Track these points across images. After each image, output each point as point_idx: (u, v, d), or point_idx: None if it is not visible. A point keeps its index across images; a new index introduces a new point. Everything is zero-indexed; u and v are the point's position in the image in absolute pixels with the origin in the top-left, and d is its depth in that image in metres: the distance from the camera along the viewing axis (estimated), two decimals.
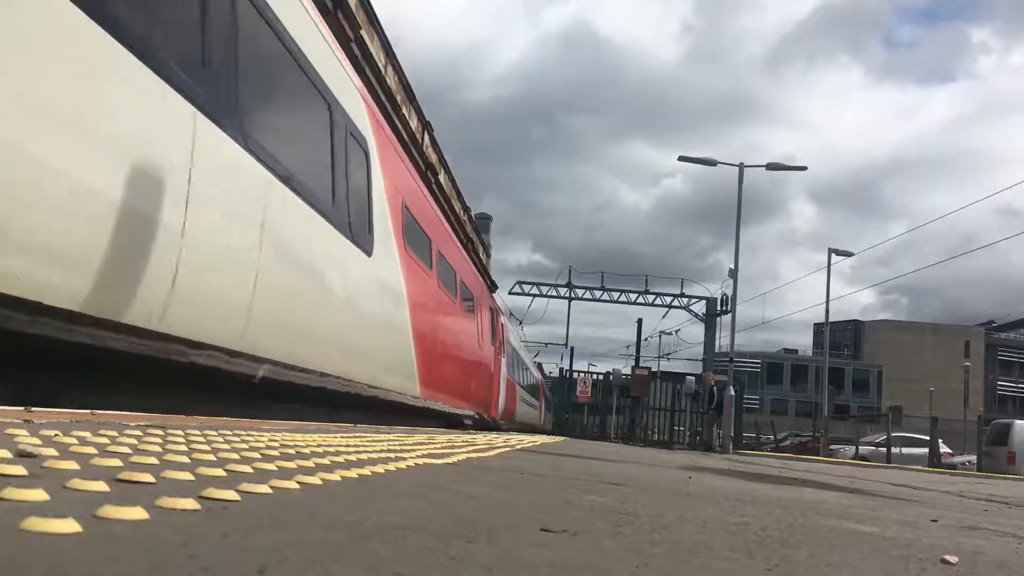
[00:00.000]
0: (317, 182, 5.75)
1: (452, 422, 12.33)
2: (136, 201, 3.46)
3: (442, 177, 18.03)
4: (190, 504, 1.26)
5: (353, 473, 2.20)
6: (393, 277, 7.98)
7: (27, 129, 2.90)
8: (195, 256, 3.94)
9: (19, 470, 1.39)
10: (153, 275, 3.65)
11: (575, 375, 33.76)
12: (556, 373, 44.10)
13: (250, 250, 4.54)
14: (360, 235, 6.74)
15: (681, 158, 24.60)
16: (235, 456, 2.17)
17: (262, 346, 4.90)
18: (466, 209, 24.99)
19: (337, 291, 6.35)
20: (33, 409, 2.92)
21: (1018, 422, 22.08)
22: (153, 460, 1.81)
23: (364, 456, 2.91)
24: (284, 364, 5.34)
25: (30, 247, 3.00)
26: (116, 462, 1.68)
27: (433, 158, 16.47)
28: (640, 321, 41.49)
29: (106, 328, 3.49)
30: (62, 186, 3.08)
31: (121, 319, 3.55)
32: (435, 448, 4.24)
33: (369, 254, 7.00)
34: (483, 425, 15.27)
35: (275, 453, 2.42)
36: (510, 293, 40.41)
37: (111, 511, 1.10)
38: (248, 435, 3.08)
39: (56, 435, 2.08)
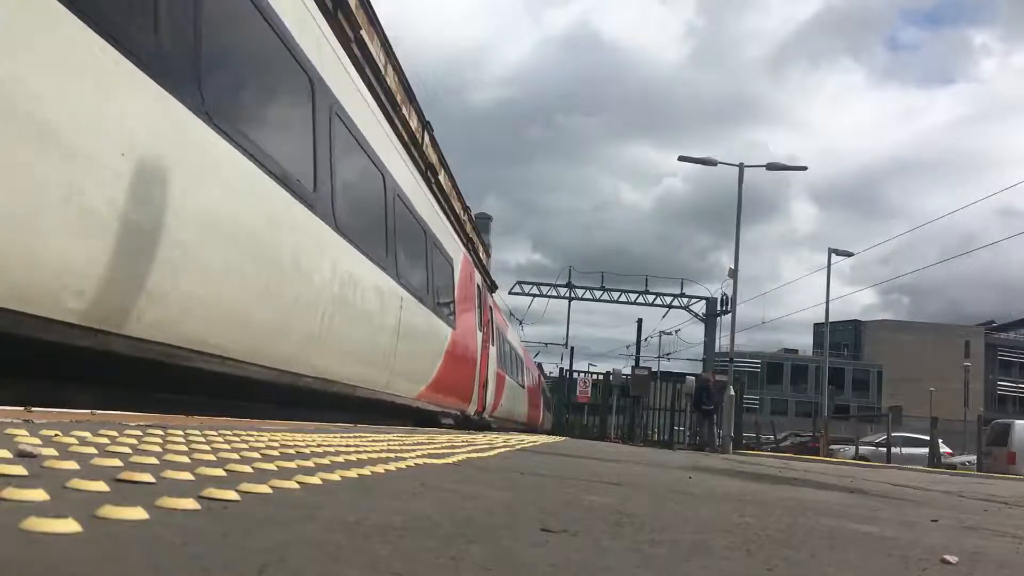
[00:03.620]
0: (518, 372, 23.35)
1: (526, 431, 24.67)
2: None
3: (442, 177, 18.01)
4: (190, 504, 1.26)
5: (353, 473, 2.20)
6: (524, 388, 24.36)
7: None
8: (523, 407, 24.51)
9: (19, 470, 1.39)
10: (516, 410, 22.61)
11: (575, 375, 33.82)
12: (556, 373, 44.15)
13: (520, 400, 23.71)
14: (520, 379, 23.26)
15: (681, 158, 24.62)
16: (235, 456, 2.17)
17: (510, 417, 21.42)
18: (466, 209, 25.18)
19: (522, 398, 24.16)
20: (33, 409, 2.92)
21: (1018, 422, 22.06)
22: (153, 460, 1.81)
23: (364, 456, 2.91)
24: (512, 420, 22.38)
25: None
26: (116, 462, 1.68)
27: (433, 158, 16.45)
28: (640, 321, 41.58)
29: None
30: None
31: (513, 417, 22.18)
32: (435, 448, 4.24)
33: (523, 387, 24.29)
34: (534, 430, 27.16)
35: (275, 453, 2.42)
36: (510, 293, 40.43)
37: (111, 511, 1.10)
38: (248, 435, 3.08)
39: (56, 435, 2.08)
